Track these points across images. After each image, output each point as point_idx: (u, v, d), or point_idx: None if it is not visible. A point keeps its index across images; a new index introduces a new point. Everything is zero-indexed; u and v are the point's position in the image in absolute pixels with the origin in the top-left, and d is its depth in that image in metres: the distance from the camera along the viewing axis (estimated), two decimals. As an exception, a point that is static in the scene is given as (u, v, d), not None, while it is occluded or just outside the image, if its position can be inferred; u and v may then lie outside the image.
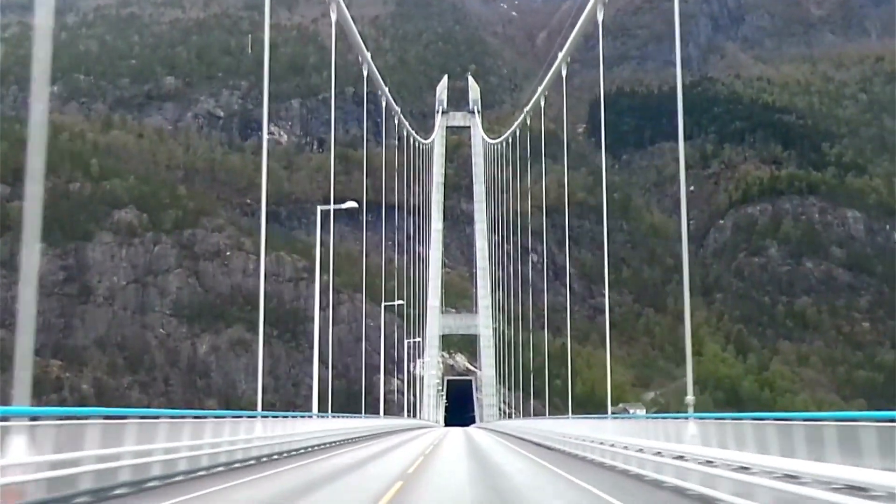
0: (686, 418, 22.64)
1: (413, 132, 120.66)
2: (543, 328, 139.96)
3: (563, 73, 57.16)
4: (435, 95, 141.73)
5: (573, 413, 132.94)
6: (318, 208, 55.67)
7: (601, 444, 30.02)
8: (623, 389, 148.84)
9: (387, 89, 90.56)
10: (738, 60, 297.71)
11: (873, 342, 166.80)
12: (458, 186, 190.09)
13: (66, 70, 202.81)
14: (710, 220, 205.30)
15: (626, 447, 26.32)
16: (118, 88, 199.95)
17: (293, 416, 37.74)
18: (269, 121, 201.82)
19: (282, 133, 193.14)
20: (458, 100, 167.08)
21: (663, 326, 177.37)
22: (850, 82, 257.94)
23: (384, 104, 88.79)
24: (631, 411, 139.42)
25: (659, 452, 22.51)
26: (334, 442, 44.03)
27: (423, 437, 59.96)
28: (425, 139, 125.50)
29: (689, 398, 23.88)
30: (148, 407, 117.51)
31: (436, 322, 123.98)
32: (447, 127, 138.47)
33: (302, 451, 35.35)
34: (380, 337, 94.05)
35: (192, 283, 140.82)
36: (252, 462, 27.53)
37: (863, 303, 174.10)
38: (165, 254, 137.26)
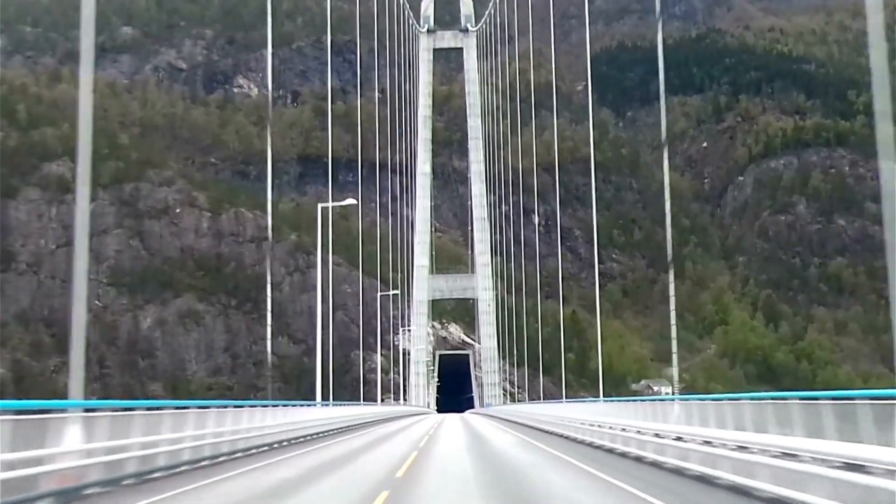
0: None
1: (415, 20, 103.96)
2: (549, 296, 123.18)
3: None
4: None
5: (584, 392, 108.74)
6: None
7: (717, 443, 18.05)
8: (643, 364, 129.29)
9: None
10: (745, 12, 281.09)
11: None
12: (448, 142, 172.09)
13: (11, 21, 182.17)
14: (728, 177, 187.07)
15: (740, 447, 16.01)
16: (69, 41, 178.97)
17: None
18: (238, 72, 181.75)
19: (251, 85, 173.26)
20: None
21: (681, 293, 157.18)
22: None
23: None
24: (655, 389, 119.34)
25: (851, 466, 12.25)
26: (270, 445, 30.76)
27: (405, 433, 39.32)
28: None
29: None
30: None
31: (424, 284, 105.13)
32: (434, 49, 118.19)
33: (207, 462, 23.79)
34: (358, 305, 72.87)
35: (135, 245, 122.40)
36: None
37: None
38: (103, 212, 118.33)
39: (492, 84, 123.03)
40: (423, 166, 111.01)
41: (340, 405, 54.27)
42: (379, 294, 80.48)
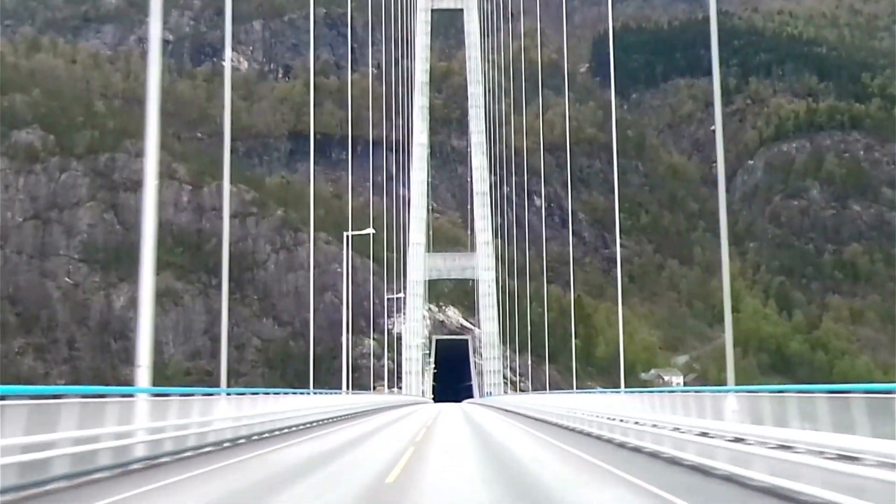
0: None
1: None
2: (550, 280, 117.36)
3: None
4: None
5: (590, 382, 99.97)
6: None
7: None
8: (652, 353, 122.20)
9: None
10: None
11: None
12: (447, 120, 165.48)
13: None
14: (738, 161, 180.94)
15: None
16: (50, 9, 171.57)
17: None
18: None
19: (241, 59, 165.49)
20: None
21: (690, 280, 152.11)
22: (881, 15, 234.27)
23: None
24: (666, 379, 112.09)
25: None
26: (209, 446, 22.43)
27: (395, 427, 28.58)
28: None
29: None
30: (45, 377, 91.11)
31: (420, 262, 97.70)
32: (432, 10, 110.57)
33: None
34: (348, 285, 64.17)
35: (109, 219, 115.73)
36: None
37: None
38: (75, 183, 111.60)
39: (492, 61, 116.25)
40: (420, 136, 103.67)
41: (312, 394, 38.01)
42: (349, 234, 64.87)
